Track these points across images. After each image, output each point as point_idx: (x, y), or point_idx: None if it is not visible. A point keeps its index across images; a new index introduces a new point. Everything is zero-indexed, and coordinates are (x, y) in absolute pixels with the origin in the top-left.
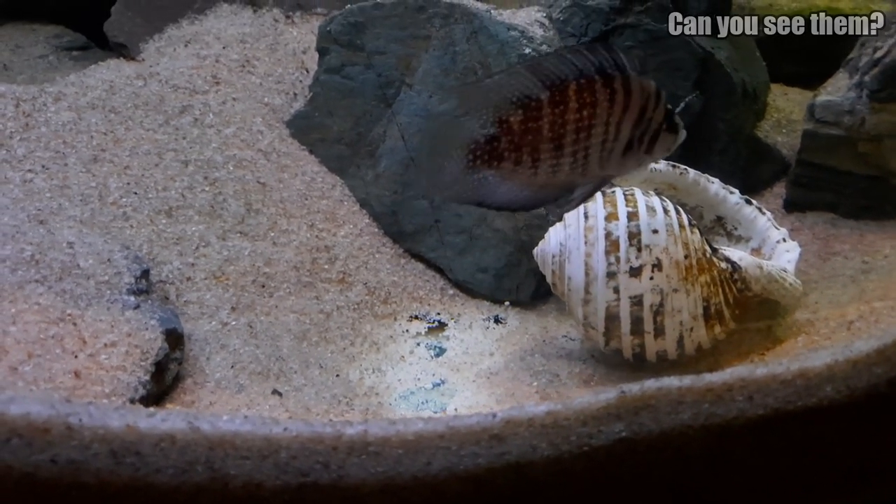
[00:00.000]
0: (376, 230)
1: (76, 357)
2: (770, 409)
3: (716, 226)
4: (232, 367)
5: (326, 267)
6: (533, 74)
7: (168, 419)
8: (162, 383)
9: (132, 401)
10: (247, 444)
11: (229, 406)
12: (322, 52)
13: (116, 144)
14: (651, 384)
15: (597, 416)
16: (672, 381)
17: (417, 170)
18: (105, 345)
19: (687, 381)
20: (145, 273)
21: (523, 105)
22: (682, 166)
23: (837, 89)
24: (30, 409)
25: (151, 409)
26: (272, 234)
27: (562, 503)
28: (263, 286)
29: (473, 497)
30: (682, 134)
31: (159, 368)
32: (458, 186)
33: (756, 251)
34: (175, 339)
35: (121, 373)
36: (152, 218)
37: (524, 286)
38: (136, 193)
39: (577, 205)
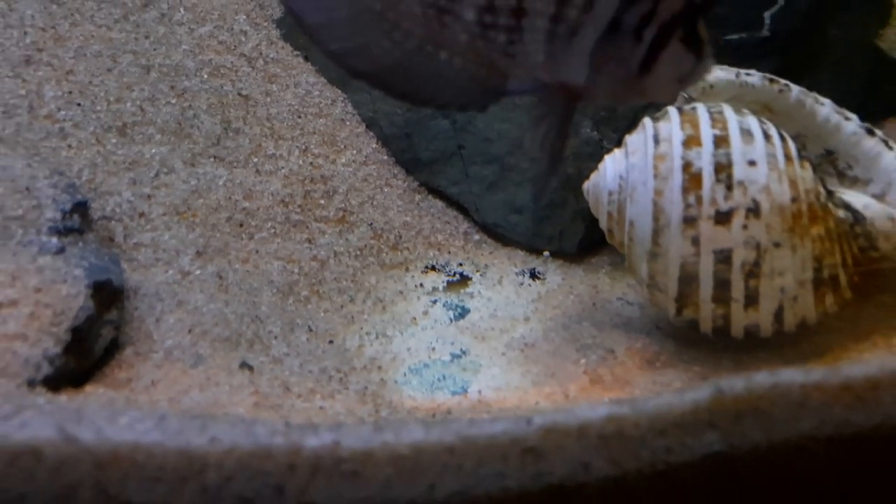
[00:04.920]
0: (385, 157)
1: None
2: None
3: (824, 162)
4: (190, 331)
5: (322, 202)
6: None
7: (30, 424)
8: (86, 356)
9: (31, 383)
10: (155, 462)
11: (178, 386)
12: None
13: (57, 43)
14: (763, 379)
15: (680, 422)
16: (794, 376)
17: None
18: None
19: (816, 375)
20: (80, 206)
21: None
22: (783, 81)
23: None
24: None
25: (24, 400)
26: (255, 160)
27: None
28: (241, 225)
29: None
30: (709, 64)
31: (79, 336)
32: None
33: (879, 198)
34: (109, 294)
35: (19, 343)
36: (99, 136)
37: (569, 232)
38: (79, 105)
39: (546, 149)
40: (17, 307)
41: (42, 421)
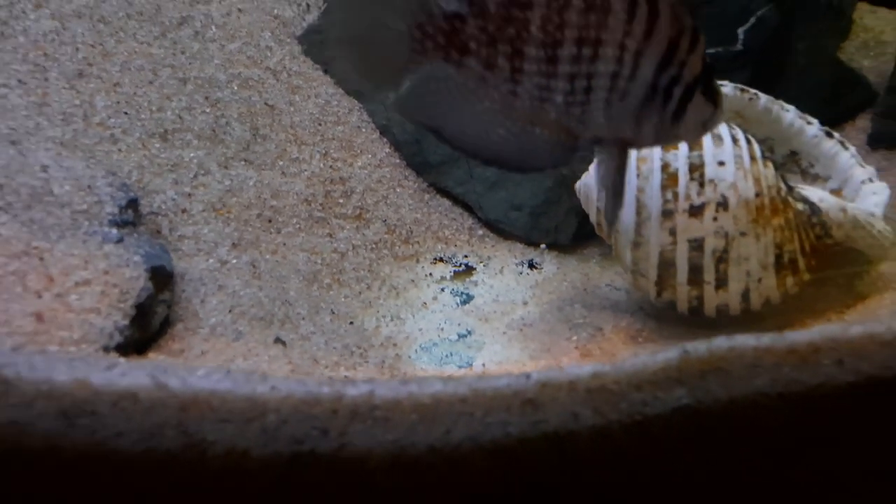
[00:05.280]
0: (398, 161)
1: (40, 297)
2: (864, 375)
3: (789, 162)
4: (230, 311)
5: (341, 201)
6: None
7: (129, 373)
8: (146, 329)
9: (106, 349)
10: (226, 406)
11: (223, 356)
12: None
13: (105, 58)
14: (721, 343)
15: (653, 380)
16: (747, 341)
17: (333, 46)
18: (76, 283)
19: (765, 340)
20: (132, 202)
21: None
22: (752, 90)
23: None
24: None
25: (116, 359)
26: (281, 163)
27: (609, 482)
28: (270, 221)
29: (502, 473)
30: (721, 111)
31: (141, 312)
32: (395, 83)
33: (836, 192)
34: (163, 278)
35: (94, 316)
36: (144, 141)
37: (564, 226)
38: (126, 113)
39: (609, 187)
40: (90, 286)
41: (137, 371)
